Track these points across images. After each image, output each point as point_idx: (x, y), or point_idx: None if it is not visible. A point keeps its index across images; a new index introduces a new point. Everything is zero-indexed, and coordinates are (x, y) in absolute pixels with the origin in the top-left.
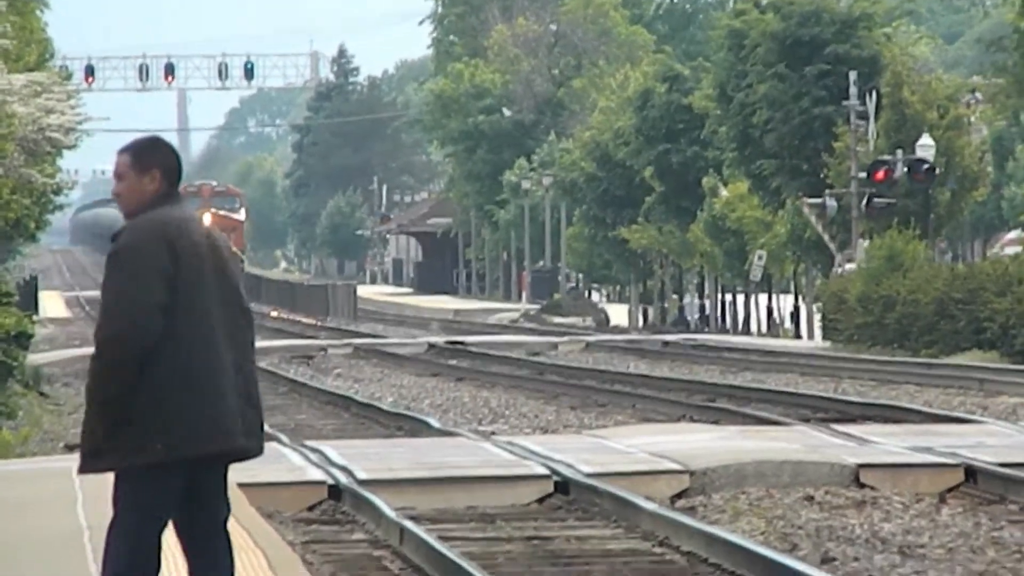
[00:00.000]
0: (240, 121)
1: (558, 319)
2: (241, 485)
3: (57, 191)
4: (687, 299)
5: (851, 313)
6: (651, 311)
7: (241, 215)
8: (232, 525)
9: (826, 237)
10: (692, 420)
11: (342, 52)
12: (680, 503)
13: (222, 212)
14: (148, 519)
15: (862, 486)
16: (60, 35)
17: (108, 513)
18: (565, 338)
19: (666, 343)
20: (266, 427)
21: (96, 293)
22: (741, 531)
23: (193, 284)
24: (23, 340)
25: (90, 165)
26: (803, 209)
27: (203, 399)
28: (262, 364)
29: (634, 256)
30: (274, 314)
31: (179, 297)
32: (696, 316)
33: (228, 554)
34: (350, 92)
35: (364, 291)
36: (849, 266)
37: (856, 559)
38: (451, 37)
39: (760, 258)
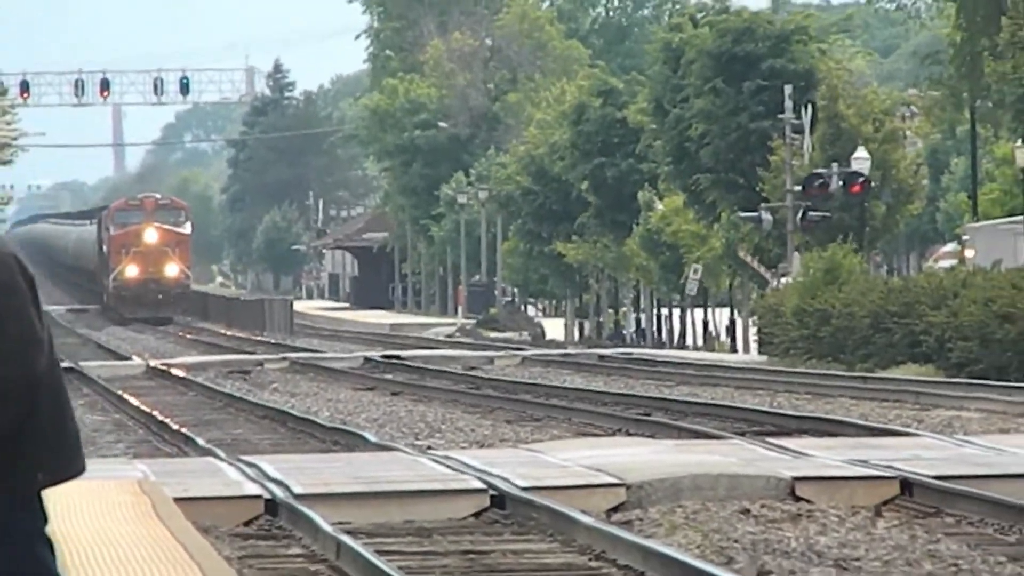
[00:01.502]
0: (176, 136)
1: (494, 333)
2: (177, 499)
3: None
4: (630, 313)
5: (786, 327)
6: (587, 325)
7: (187, 228)
8: (168, 539)
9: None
10: (628, 434)
11: (277, 67)
12: (616, 517)
13: (166, 226)
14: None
15: (798, 499)
16: None
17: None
18: (501, 352)
19: (602, 357)
20: (201, 441)
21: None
22: (677, 545)
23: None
24: None
25: (25, 180)
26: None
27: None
28: (199, 378)
29: (570, 270)
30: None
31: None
32: (632, 330)
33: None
34: (286, 107)
35: (300, 306)
36: (784, 279)
37: (792, 572)
38: (387, 52)
39: (696, 272)
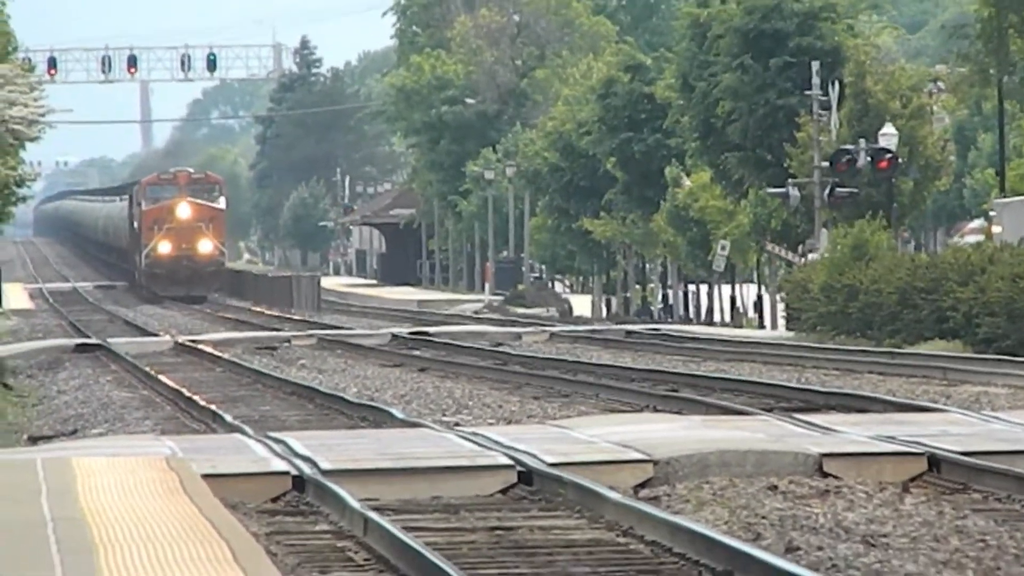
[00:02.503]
0: (203, 113)
1: (522, 310)
2: (205, 476)
3: (20, 183)
4: (657, 289)
5: (814, 303)
6: (614, 301)
7: (221, 204)
8: (196, 516)
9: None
10: (656, 410)
11: (305, 43)
12: (644, 493)
13: (200, 201)
14: None
15: (826, 475)
16: (22, 27)
17: (73, 505)
18: (529, 329)
19: (629, 333)
20: (228, 418)
21: (60, 285)
22: (705, 521)
23: None
24: None
25: (53, 157)
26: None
27: None
28: (226, 355)
29: (597, 246)
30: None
31: None
32: (659, 306)
33: None
34: (313, 83)
35: (328, 282)
36: (812, 255)
37: (820, 548)
38: (414, 28)
39: (723, 248)
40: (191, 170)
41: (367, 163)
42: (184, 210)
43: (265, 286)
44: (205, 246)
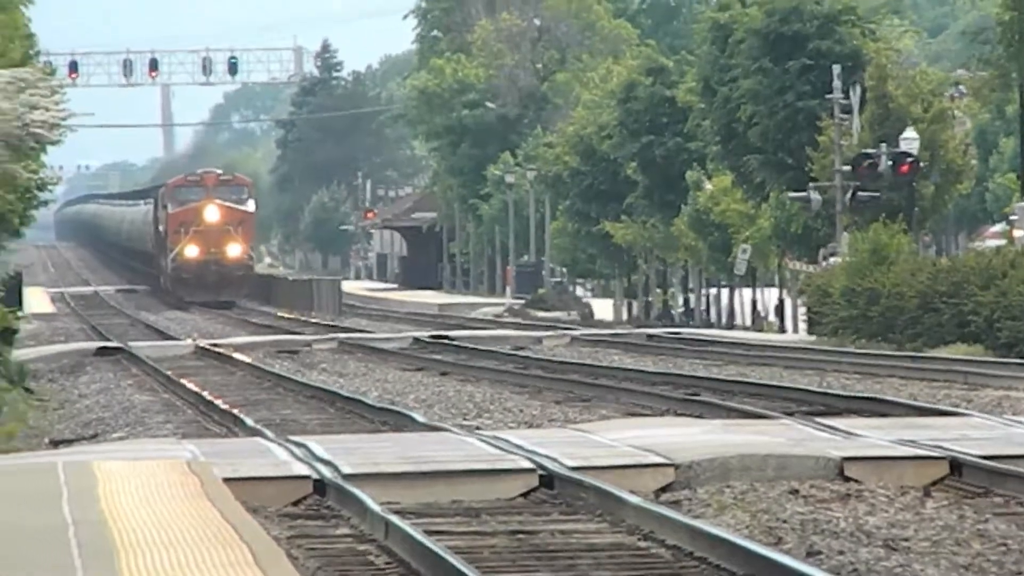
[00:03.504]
0: (224, 117)
1: (543, 313)
2: (226, 480)
3: (41, 187)
4: (678, 293)
5: (835, 307)
6: (635, 305)
7: (250, 206)
8: (217, 519)
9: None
10: (677, 414)
11: (326, 47)
12: (665, 497)
13: (228, 203)
14: None
15: (847, 479)
16: (44, 31)
17: (94, 508)
18: (549, 332)
19: (650, 337)
20: (250, 421)
21: (81, 289)
22: (726, 525)
23: None
24: (8, 336)
25: (74, 161)
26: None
27: None
28: (247, 359)
29: (618, 250)
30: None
31: None
32: (680, 310)
33: None
34: (334, 87)
35: (348, 286)
36: (833, 259)
37: (841, 552)
38: (435, 32)
39: (744, 252)
40: (219, 171)
41: (388, 167)
42: (212, 213)
43: (286, 290)
44: (234, 250)
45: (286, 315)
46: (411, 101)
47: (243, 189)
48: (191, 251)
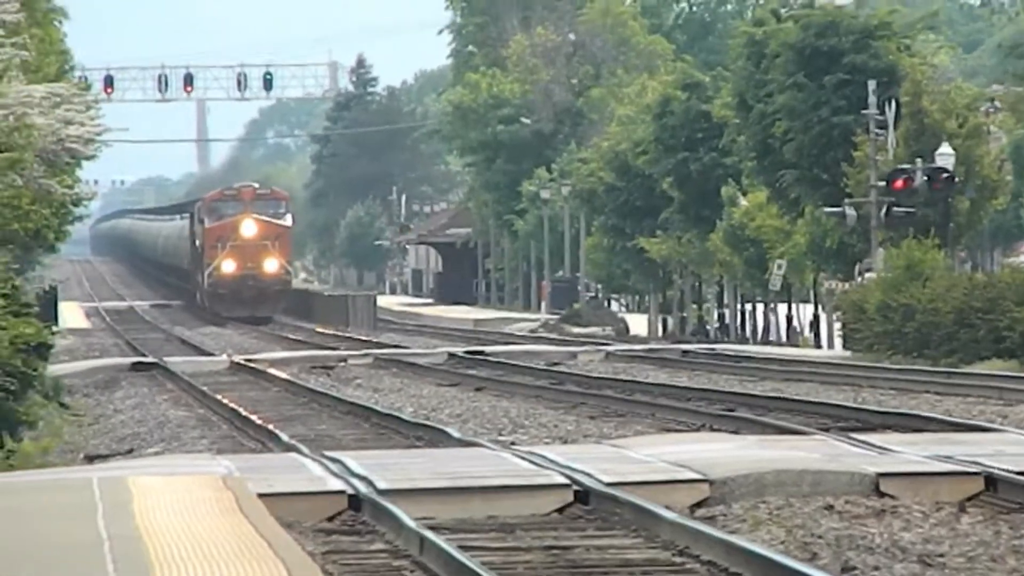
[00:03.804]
0: (259, 132)
1: (578, 329)
2: (261, 495)
3: (76, 202)
4: (713, 309)
5: (870, 322)
6: (670, 321)
7: (287, 220)
8: (252, 535)
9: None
10: (712, 429)
11: (361, 62)
12: (700, 512)
13: (265, 218)
14: None
15: (882, 495)
16: (79, 46)
17: (129, 523)
18: (584, 348)
19: (685, 352)
20: (285, 437)
21: (116, 303)
22: (761, 540)
23: None
24: (43, 351)
25: (109, 176)
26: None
27: None
28: (282, 374)
29: (653, 265)
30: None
31: None
32: (715, 325)
33: None
34: (369, 102)
35: (384, 301)
36: (869, 275)
37: (876, 568)
38: (470, 47)
39: (780, 267)
40: (256, 185)
41: (423, 182)
42: (249, 227)
43: (321, 305)
44: (271, 265)
45: (321, 330)
46: (446, 116)
47: (280, 203)
48: (228, 266)
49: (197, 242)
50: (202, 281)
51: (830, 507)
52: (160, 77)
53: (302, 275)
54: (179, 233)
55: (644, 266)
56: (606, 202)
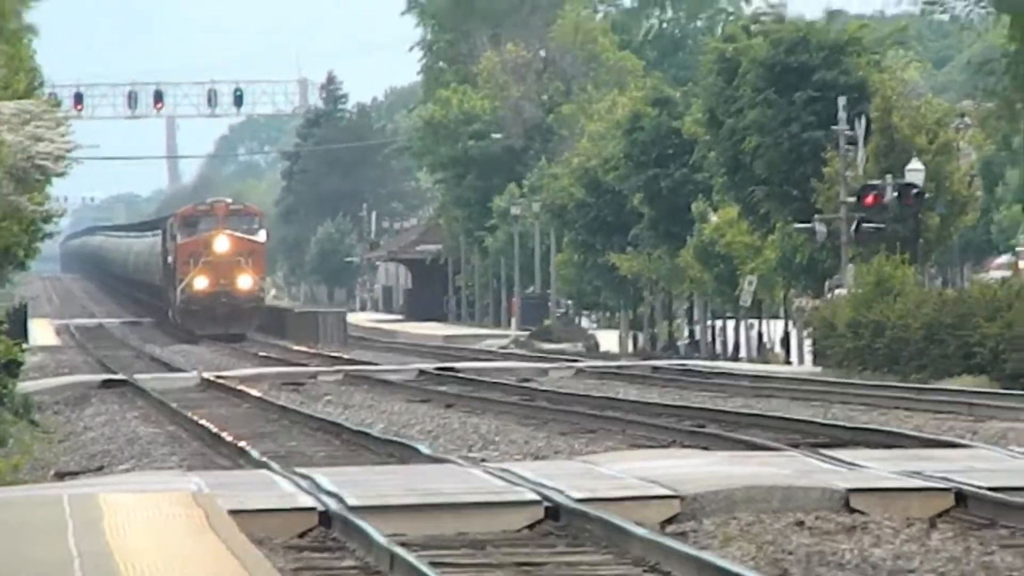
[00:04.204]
0: (230, 148)
1: (548, 345)
2: (232, 512)
3: (47, 219)
4: (683, 325)
5: (840, 338)
6: (641, 337)
7: (261, 236)
8: (223, 552)
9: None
10: (682, 445)
11: (331, 79)
12: (670, 528)
13: (239, 234)
14: None
15: (852, 511)
16: (49, 63)
17: (99, 541)
18: (555, 364)
19: (655, 368)
20: (255, 454)
21: (86, 321)
22: (732, 556)
23: None
24: (13, 368)
25: (79, 192)
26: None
27: None
28: (253, 391)
29: (624, 282)
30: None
31: None
32: (686, 341)
33: None
34: (339, 119)
35: (354, 318)
36: (839, 291)
37: None
38: (440, 64)
39: (750, 283)
40: (229, 200)
41: (393, 199)
42: (222, 243)
43: (291, 322)
44: (244, 281)
45: (293, 347)
46: (417, 132)
47: (254, 219)
48: (200, 283)
49: (169, 258)
50: (174, 298)
51: (800, 523)
52: (130, 94)
53: (272, 292)
54: (150, 249)
55: (614, 282)
56: (576, 218)
